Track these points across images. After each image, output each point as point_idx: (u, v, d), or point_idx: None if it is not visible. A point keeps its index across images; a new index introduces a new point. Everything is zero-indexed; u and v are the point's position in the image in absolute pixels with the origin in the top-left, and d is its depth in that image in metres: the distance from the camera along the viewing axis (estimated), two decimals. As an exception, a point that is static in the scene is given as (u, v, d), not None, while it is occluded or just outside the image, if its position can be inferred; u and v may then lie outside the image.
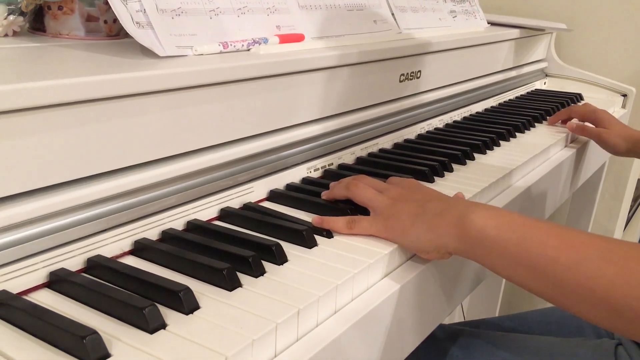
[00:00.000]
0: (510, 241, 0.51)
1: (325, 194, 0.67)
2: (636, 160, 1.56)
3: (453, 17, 1.19)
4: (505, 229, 0.52)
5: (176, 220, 0.58)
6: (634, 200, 1.81)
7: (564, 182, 1.06)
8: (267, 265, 0.53)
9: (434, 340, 0.81)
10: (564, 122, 1.16)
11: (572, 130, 1.09)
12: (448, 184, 0.77)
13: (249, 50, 0.68)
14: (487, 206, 0.56)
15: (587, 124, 1.12)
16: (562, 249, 0.48)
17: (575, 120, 1.13)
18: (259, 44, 0.69)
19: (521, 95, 1.41)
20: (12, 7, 0.64)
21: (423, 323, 0.62)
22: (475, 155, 0.90)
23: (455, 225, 0.54)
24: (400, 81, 0.92)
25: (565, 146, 1.09)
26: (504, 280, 1.61)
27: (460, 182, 0.78)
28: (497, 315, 1.59)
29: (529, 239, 0.50)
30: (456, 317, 1.52)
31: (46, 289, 0.48)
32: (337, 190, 0.66)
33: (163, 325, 0.43)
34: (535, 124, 1.15)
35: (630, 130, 1.06)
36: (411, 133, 0.97)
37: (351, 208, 0.64)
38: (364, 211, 0.64)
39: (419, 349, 0.63)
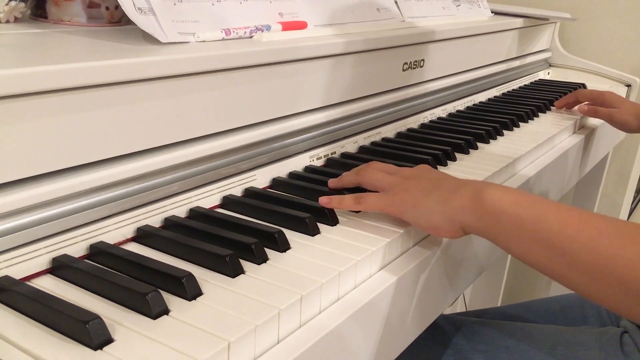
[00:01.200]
0: (528, 218, 0.50)
1: (333, 183, 0.66)
2: (639, 153, 1.56)
3: (457, 6, 1.18)
4: (523, 205, 0.51)
5: (179, 207, 0.58)
6: (637, 191, 1.81)
7: (568, 172, 1.06)
8: (269, 252, 0.52)
9: (438, 330, 0.81)
10: (570, 106, 1.17)
11: (584, 113, 1.10)
12: (451, 173, 0.76)
13: (251, 37, 0.68)
14: (504, 186, 0.55)
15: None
16: (582, 227, 0.47)
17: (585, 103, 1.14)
18: (262, 31, 0.69)
19: (525, 85, 1.40)
20: (14, -7, 0.64)
21: (425, 311, 0.62)
22: (479, 144, 0.90)
23: (471, 198, 0.53)
24: (404, 70, 0.91)
25: (569, 135, 1.08)
26: (506, 270, 1.61)
27: (463, 171, 0.78)
28: (499, 304, 1.59)
29: (548, 216, 0.49)
30: (458, 308, 1.52)
31: (49, 274, 0.48)
32: (346, 177, 0.65)
33: (166, 311, 0.43)
34: (539, 114, 1.14)
35: (639, 105, 1.08)
36: (414, 122, 0.97)
37: (354, 196, 0.63)
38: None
39: (422, 338, 0.63)
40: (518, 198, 0.51)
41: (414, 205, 0.56)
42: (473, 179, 0.73)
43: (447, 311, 0.83)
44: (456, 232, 0.55)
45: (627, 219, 1.76)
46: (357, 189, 0.64)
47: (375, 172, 0.62)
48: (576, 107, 1.16)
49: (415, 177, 0.60)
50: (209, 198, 0.61)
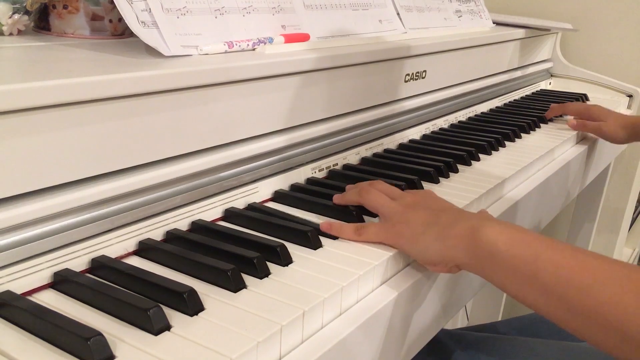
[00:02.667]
0: (522, 258, 0.49)
1: (337, 199, 0.65)
2: (641, 161, 1.56)
3: (458, 17, 1.19)
4: (518, 245, 0.50)
5: (181, 220, 0.58)
6: (639, 201, 1.81)
7: (570, 183, 1.06)
8: (271, 266, 0.52)
9: (438, 345, 0.81)
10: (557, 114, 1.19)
11: (573, 128, 1.11)
12: (453, 185, 0.77)
13: (254, 49, 0.68)
14: (502, 221, 0.54)
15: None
16: (577, 271, 0.46)
17: (571, 118, 1.16)
18: (264, 43, 0.69)
19: (526, 95, 1.41)
20: (17, 5, 0.64)
21: (427, 325, 0.62)
22: (481, 155, 0.90)
23: (466, 237, 0.53)
24: (406, 81, 0.92)
25: (572, 146, 1.08)
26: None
27: (465, 183, 0.78)
28: (500, 317, 1.59)
29: (542, 258, 0.48)
30: (459, 321, 1.52)
31: (50, 289, 0.48)
32: (349, 195, 0.64)
33: (167, 327, 0.43)
34: (541, 125, 1.14)
35: (626, 117, 1.09)
36: (416, 133, 0.97)
37: (357, 211, 0.63)
38: (372, 214, 0.64)
39: (423, 353, 0.62)
40: (513, 236, 0.51)
41: (411, 240, 0.56)
42: (471, 189, 0.73)
43: (449, 325, 0.83)
44: (451, 269, 0.55)
45: (629, 228, 1.76)
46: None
47: (377, 195, 0.62)
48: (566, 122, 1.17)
49: (414, 206, 0.59)
50: (210, 211, 0.61)
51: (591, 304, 0.45)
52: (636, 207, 1.83)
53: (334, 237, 0.59)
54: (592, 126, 1.10)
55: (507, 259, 0.50)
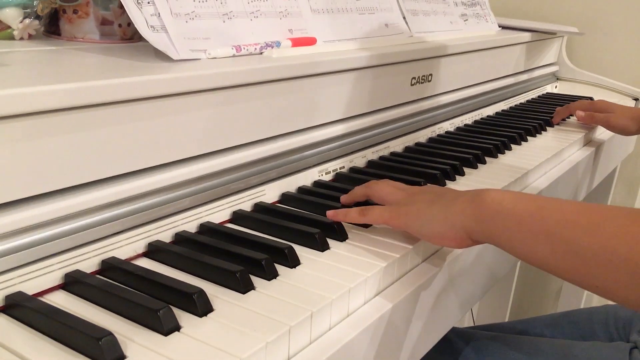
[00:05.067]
0: (528, 211, 0.49)
1: (344, 198, 0.66)
2: (648, 164, 1.56)
3: (464, 21, 1.19)
4: (522, 201, 0.51)
5: (189, 222, 0.59)
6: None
7: (577, 186, 1.06)
8: (279, 268, 0.53)
9: (447, 343, 0.81)
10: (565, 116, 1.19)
11: (581, 120, 1.12)
12: (460, 188, 0.77)
13: (261, 53, 0.68)
14: (504, 189, 0.55)
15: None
16: (582, 212, 0.47)
17: (575, 118, 1.17)
18: (272, 47, 0.69)
19: (532, 98, 1.41)
20: (28, 10, 0.65)
21: (435, 327, 0.62)
22: (487, 158, 0.90)
23: (471, 201, 0.53)
24: (412, 84, 0.92)
25: (578, 149, 1.08)
26: (513, 285, 1.60)
27: (472, 185, 0.78)
28: (507, 318, 1.58)
29: (546, 207, 0.49)
30: (465, 323, 1.52)
31: (61, 290, 0.48)
32: (357, 190, 0.66)
33: (177, 327, 0.43)
34: (547, 128, 1.14)
35: (634, 109, 1.09)
36: (423, 136, 0.97)
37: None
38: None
39: (432, 352, 0.62)
40: (517, 196, 0.52)
41: (417, 216, 0.57)
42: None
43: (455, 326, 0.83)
44: (461, 239, 0.55)
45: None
46: (368, 204, 0.64)
47: (385, 185, 0.63)
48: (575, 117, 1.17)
49: (419, 192, 0.61)
50: (219, 213, 0.62)
51: (599, 240, 0.45)
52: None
53: (342, 239, 0.60)
54: (601, 117, 1.10)
55: (513, 214, 0.50)
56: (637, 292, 0.43)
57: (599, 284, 0.45)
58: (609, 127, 1.10)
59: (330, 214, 0.61)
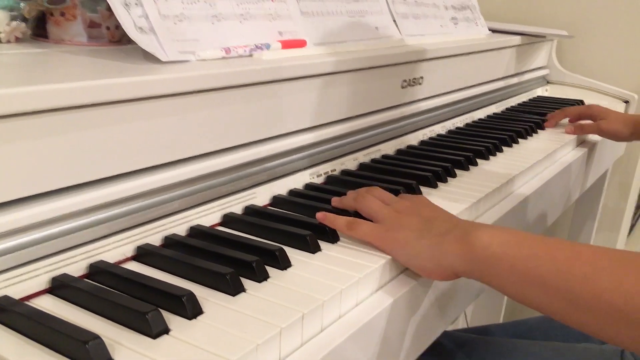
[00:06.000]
0: (519, 257, 0.48)
1: (335, 202, 0.66)
2: (639, 166, 1.56)
3: (454, 24, 1.19)
4: (512, 245, 0.49)
5: (179, 225, 0.58)
6: (637, 207, 1.81)
7: (569, 188, 1.06)
8: (270, 270, 0.52)
9: (439, 348, 0.81)
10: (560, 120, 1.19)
11: (572, 133, 1.11)
12: (451, 190, 0.77)
13: (251, 55, 0.68)
14: (494, 225, 0.53)
15: (585, 121, 1.14)
16: (574, 261, 0.46)
17: (566, 121, 1.17)
18: (261, 49, 0.69)
19: (523, 102, 1.41)
20: (15, 13, 0.64)
21: (427, 329, 0.62)
22: (478, 161, 0.90)
23: (460, 242, 0.52)
24: (402, 87, 0.92)
25: (570, 151, 1.09)
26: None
27: (463, 187, 0.78)
28: (501, 321, 1.58)
29: (538, 254, 0.48)
30: (460, 325, 1.51)
31: (48, 294, 0.47)
32: (345, 200, 0.65)
33: (166, 330, 0.43)
34: (538, 130, 1.14)
35: (628, 115, 1.10)
36: (414, 139, 0.97)
37: (355, 213, 0.63)
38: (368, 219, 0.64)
39: (424, 356, 0.62)
40: (507, 238, 0.50)
41: (404, 247, 0.55)
42: (469, 193, 0.73)
43: (449, 328, 0.83)
44: (448, 276, 0.54)
45: (628, 234, 1.76)
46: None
47: (372, 200, 0.62)
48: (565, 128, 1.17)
49: (408, 212, 0.59)
50: (209, 216, 0.61)
51: (592, 292, 0.44)
52: (635, 213, 1.83)
53: (333, 241, 0.59)
54: (591, 127, 1.10)
55: (503, 260, 0.49)
56: (634, 340, 0.43)
57: (595, 330, 0.45)
58: (600, 134, 1.11)
59: (319, 216, 0.61)
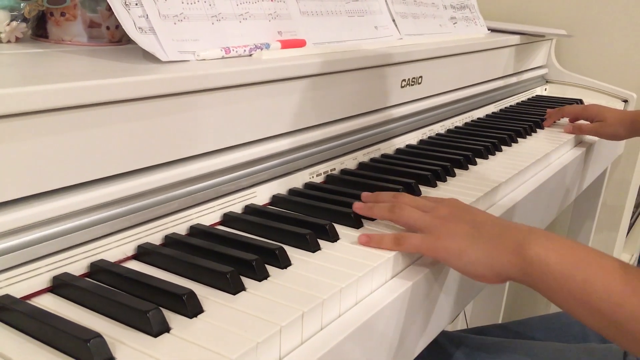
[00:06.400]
0: (574, 279, 0.49)
1: (360, 210, 0.63)
2: (638, 166, 1.56)
3: (453, 24, 1.19)
4: (568, 264, 0.50)
5: (179, 224, 0.58)
6: (636, 206, 1.81)
7: (568, 186, 1.06)
8: (270, 269, 0.52)
9: (438, 347, 0.81)
10: (557, 119, 1.19)
11: (571, 132, 1.11)
12: (451, 189, 0.77)
13: (250, 55, 0.68)
14: (545, 233, 0.53)
15: (581, 121, 1.15)
16: (628, 295, 0.46)
17: (566, 120, 1.18)
18: (261, 49, 0.69)
19: (522, 101, 1.41)
20: (15, 13, 0.65)
21: (427, 328, 0.62)
22: (478, 160, 0.90)
23: (515, 253, 0.52)
24: (402, 87, 0.92)
25: (569, 150, 1.09)
26: (506, 287, 1.60)
27: (463, 187, 0.78)
28: (500, 321, 1.58)
29: (593, 280, 0.48)
30: (459, 325, 1.52)
31: (49, 293, 0.48)
32: (378, 211, 0.62)
33: (167, 329, 0.43)
34: (537, 130, 1.15)
35: (624, 113, 1.10)
36: (413, 138, 0.97)
37: (355, 214, 0.63)
38: (370, 217, 0.64)
39: (422, 356, 0.62)
40: (563, 253, 0.51)
41: (459, 255, 0.55)
42: (469, 192, 0.73)
43: (448, 328, 0.83)
44: (501, 281, 0.55)
45: (627, 234, 1.76)
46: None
47: (410, 211, 0.60)
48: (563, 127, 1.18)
49: (453, 218, 0.58)
50: (209, 215, 0.61)
51: None
52: (634, 212, 1.83)
53: (333, 240, 0.59)
54: (589, 128, 1.11)
55: (557, 280, 0.50)
56: None
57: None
58: (598, 135, 1.11)
59: (363, 240, 0.58)
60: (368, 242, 0.58)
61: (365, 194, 0.67)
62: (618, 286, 0.47)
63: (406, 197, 0.63)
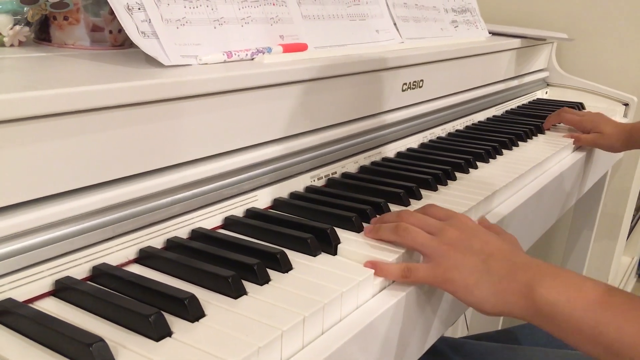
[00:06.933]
0: (584, 321, 0.49)
1: (370, 234, 0.61)
2: (638, 170, 1.57)
3: (455, 27, 1.20)
4: (578, 307, 0.50)
5: (181, 228, 0.59)
6: (636, 210, 1.81)
7: (568, 190, 1.06)
8: (271, 273, 0.53)
9: (437, 353, 0.81)
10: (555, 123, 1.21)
11: (571, 138, 1.12)
12: (451, 193, 0.77)
13: (252, 59, 0.69)
14: (553, 272, 0.53)
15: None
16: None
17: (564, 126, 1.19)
18: (263, 53, 0.69)
19: (523, 104, 1.41)
20: (18, 17, 0.65)
21: (427, 332, 0.62)
22: (479, 163, 0.90)
23: (524, 296, 0.52)
24: (403, 90, 0.92)
25: (569, 154, 1.09)
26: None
27: (463, 190, 0.78)
28: (500, 326, 1.58)
29: (604, 322, 0.48)
30: (459, 330, 1.52)
31: (52, 297, 0.48)
32: (384, 233, 0.61)
33: (169, 333, 0.43)
34: (538, 133, 1.15)
35: (621, 125, 1.10)
36: (414, 142, 0.97)
37: (356, 217, 0.64)
38: (378, 210, 0.65)
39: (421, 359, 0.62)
40: (572, 296, 0.50)
41: (466, 290, 0.55)
42: (470, 197, 0.73)
43: (448, 333, 0.83)
44: (506, 316, 0.55)
45: (627, 237, 1.76)
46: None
47: (417, 233, 0.58)
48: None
49: (460, 246, 0.57)
50: (210, 219, 0.62)
51: None
52: (634, 216, 1.83)
53: (334, 244, 0.59)
54: (587, 140, 1.12)
55: (568, 322, 0.50)
56: None
57: None
58: (597, 147, 1.13)
59: (368, 265, 0.56)
60: (378, 272, 0.56)
61: (373, 219, 0.65)
62: (630, 328, 0.48)
63: (412, 217, 0.61)
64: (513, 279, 0.53)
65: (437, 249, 0.57)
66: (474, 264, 0.55)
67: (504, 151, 0.99)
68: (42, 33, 0.68)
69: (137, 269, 0.53)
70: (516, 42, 1.31)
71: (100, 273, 0.51)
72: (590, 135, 1.11)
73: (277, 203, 0.69)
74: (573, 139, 1.12)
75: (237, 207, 0.65)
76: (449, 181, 0.81)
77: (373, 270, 0.54)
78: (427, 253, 0.57)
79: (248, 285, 0.50)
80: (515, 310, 0.53)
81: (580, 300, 0.50)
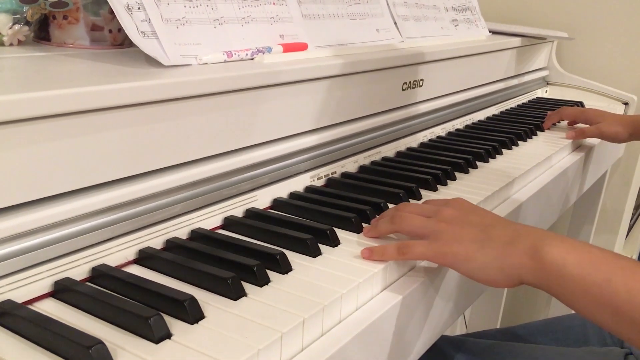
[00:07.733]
0: (594, 281, 0.47)
1: (369, 233, 0.62)
2: (637, 168, 1.57)
3: (455, 26, 1.19)
4: (587, 266, 0.48)
5: (180, 229, 0.58)
6: (636, 208, 1.81)
7: (568, 190, 1.06)
8: (271, 274, 0.52)
9: (438, 352, 0.81)
10: (556, 121, 1.21)
11: (573, 138, 1.11)
12: (451, 193, 0.77)
13: (252, 59, 0.68)
14: (561, 237, 0.52)
15: (580, 124, 1.15)
16: None
17: (566, 123, 1.19)
18: (263, 53, 0.69)
19: (523, 103, 1.41)
20: (18, 16, 0.65)
21: (427, 332, 0.62)
22: (479, 163, 0.90)
23: (530, 256, 0.51)
24: (403, 89, 0.92)
25: (569, 153, 1.09)
26: (505, 290, 1.60)
27: (463, 190, 0.78)
28: (499, 325, 1.58)
29: (614, 280, 0.47)
30: (458, 328, 1.52)
31: (51, 298, 0.48)
32: (381, 226, 0.61)
33: (168, 335, 0.43)
34: (538, 132, 1.15)
35: (625, 116, 1.10)
36: (414, 141, 0.97)
37: (356, 218, 0.64)
38: (367, 219, 0.64)
39: (422, 359, 0.62)
40: (581, 258, 0.49)
41: (467, 260, 0.53)
42: (470, 197, 0.73)
43: (446, 332, 0.83)
44: (514, 284, 0.53)
45: (626, 235, 1.76)
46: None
47: (412, 217, 0.58)
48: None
49: (458, 221, 0.56)
50: (210, 219, 0.62)
51: None
52: (633, 214, 1.83)
53: (334, 245, 0.60)
54: (592, 131, 1.11)
55: (576, 282, 0.48)
56: None
57: None
58: (601, 136, 1.11)
59: (365, 254, 0.57)
60: (370, 255, 0.57)
61: (372, 221, 0.64)
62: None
63: (409, 206, 0.62)
64: (518, 242, 0.52)
65: (434, 226, 0.56)
66: (474, 234, 0.54)
67: (504, 151, 0.99)
68: (42, 32, 0.68)
69: (136, 270, 0.53)
70: (516, 41, 1.31)
71: (100, 274, 0.51)
72: (594, 126, 1.11)
73: (277, 203, 0.69)
74: (575, 134, 1.11)
75: (236, 207, 0.64)
76: (448, 181, 0.81)
77: (373, 271, 0.54)
78: (425, 233, 0.57)
79: (247, 287, 0.50)
80: (519, 272, 0.51)
81: (589, 259, 0.49)
